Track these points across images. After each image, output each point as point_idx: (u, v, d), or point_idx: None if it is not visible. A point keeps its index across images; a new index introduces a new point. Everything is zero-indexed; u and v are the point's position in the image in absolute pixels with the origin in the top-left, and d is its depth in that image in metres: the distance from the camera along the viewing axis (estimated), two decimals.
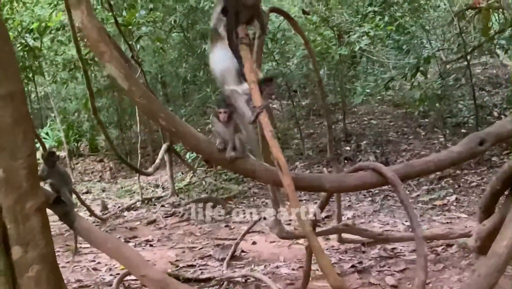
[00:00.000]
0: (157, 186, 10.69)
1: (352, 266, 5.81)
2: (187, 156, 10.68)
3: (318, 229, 5.23)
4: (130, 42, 9.65)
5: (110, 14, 9.22)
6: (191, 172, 10.64)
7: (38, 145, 7.89)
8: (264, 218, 6.96)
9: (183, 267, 6.28)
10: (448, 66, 11.07)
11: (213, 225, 7.90)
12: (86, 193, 10.75)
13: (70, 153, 12.51)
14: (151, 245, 7.29)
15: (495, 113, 10.66)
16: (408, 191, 8.38)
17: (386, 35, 10.94)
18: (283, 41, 10.92)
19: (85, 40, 4.49)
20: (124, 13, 10.10)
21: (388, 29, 10.57)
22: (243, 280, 5.62)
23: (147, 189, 10.56)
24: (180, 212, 8.73)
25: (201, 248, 6.97)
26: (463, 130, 10.23)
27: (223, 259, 6.30)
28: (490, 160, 8.94)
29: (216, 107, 3.58)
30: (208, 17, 10.90)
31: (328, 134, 6.54)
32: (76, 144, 13.64)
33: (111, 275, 6.06)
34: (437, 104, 9.94)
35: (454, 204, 7.85)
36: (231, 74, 3.53)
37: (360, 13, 11.15)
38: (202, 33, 11.04)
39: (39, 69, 11.10)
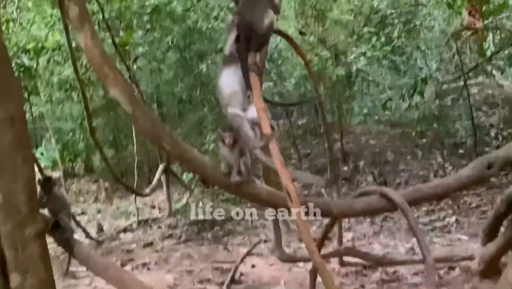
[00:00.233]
0: (153, 207, 10.59)
1: None
2: (184, 176, 10.59)
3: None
4: (127, 63, 9.61)
5: (108, 34, 9.18)
6: (188, 192, 10.53)
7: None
8: (265, 241, 6.88)
9: None
10: (444, 86, 11.08)
11: (211, 247, 7.81)
12: (81, 214, 10.64)
13: (65, 173, 12.38)
14: (148, 269, 7.19)
15: (492, 134, 10.67)
16: None
17: (383, 56, 10.95)
18: (280, 61, 10.91)
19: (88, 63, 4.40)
20: (121, 33, 10.10)
21: (384, 50, 10.57)
22: None
23: (143, 209, 10.45)
24: (177, 234, 8.64)
25: (200, 271, 6.88)
26: (460, 151, 10.24)
27: (222, 283, 6.21)
28: (489, 181, 8.89)
29: (221, 131, 3.52)
30: (205, 37, 10.93)
31: (329, 156, 6.50)
32: (71, 164, 13.51)
33: None
34: (434, 125, 9.94)
35: (454, 225, 7.81)
36: (237, 98, 3.48)
37: (356, 34, 11.18)
38: (199, 53, 11.01)
39: (34, 90, 11.02)
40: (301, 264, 6.35)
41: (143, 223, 9.48)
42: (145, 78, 11.99)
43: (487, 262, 5.20)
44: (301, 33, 10.44)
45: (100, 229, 9.30)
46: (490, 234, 5.28)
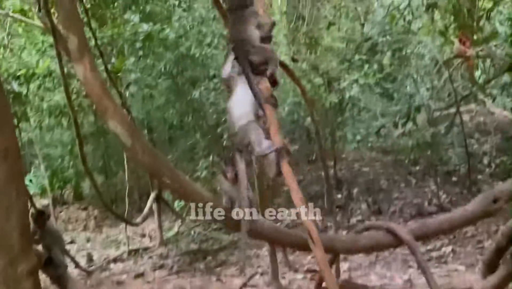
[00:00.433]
0: (143, 236, 10.42)
1: None
2: (175, 204, 10.44)
3: None
4: (119, 89, 9.52)
5: (100, 60, 9.11)
6: (180, 220, 10.38)
7: None
8: (261, 274, 6.75)
9: None
10: (436, 113, 11.10)
11: (204, 278, 7.65)
12: (71, 243, 10.42)
13: (54, 200, 12.18)
14: None
15: (485, 162, 10.65)
16: None
17: (375, 83, 10.96)
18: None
19: (88, 95, 4.30)
20: (113, 59, 10.05)
21: (377, 78, 10.58)
22: None
23: (133, 238, 10.28)
24: (169, 264, 8.47)
25: None
26: (454, 179, 10.21)
27: None
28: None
29: (223, 166, 3.42)
30: (198, 64, 10.89)
31: (326, 185, 6.41)
32: (60, 191, 13.32)
33: None
34: (427, 152, 9.91)
35: (451, 255, 7.73)
36: (247, 112, 3.34)
37: (347, 61, 11.19)
38: (192, 80, 10.96)
39: (24, 116, 10.90)
40: None
41: (134, 253, 9.30)
42: (136, 104, 11.90)
43: None
44: (293, 60, 10.43)
45: (90, 258, 9.11)
46: (491, 266, 5.19)
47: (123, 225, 9.96)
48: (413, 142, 9.22)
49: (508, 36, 9.70)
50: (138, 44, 10.21)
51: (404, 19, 10.08)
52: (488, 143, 11.34)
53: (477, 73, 12.07)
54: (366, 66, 10.51)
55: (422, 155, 10.34)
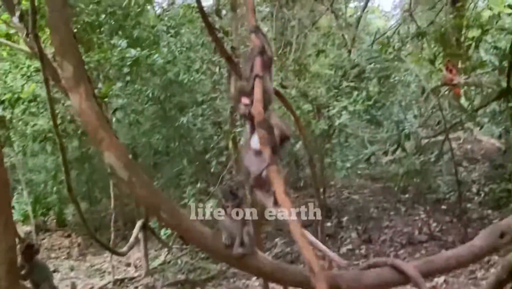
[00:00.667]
0: (128, 265, 10.16)
1: None
2: (162, 232, 10.22)
3: None
4: (106, 115, 9.36)
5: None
6: (166, 249, 10.15)
7: None
8: None
9: None
10: (424, 141, 11.08)
11: None
12: (54, 271, 10.09)
13: (36, 227, 11.88)
14: None
15: (474, 190, 10.63)
16: None
17: (364, 110, 10.93)
18: None
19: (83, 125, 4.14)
20: (100, 85, 9.91)
21: (366, 105, 10.55)
22: None
23: (118, 267, 10.03)
24: None
25: None
26: (443, 207, 10.15)
27: None
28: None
29: (223, 200, 3.28)
30: (186, 89, 10.80)
31: (320, 216, 6.28)
32: (43, 218, 13.03)
33: None
34: (415, 180, 9.86)
35: (444, 286, 7.60)
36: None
37: (336, 88, 11.16)
38: (180, 105, 10.86)
39: (8, 140, 10.68)
40: None
41: (119, 283, 9.07)
42: (122, 130, 11.75)
43: None
44: (282, 86, 10.38)
45: (73, 288, 8.80)
46: None
47: (107, 253, 9.70)
48: (404, 170, 9.12)
49: (495, 65, 9.76)
50: (125, 69, 10.07)
51: (394, 48, 10.05)
52: (476, 171, 11.34)
53: (464, 102, 12.09)
54: (355, 93, 10.48)
55: (411, 183, 10.27)
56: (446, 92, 11.60)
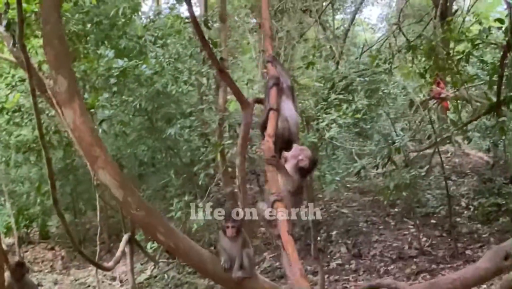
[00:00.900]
0: (114, 279, 9.95)
1: None
2: (148, 246, 10.02)
3: None
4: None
5: None
6: (152, 263, 9.95)
7: None
8: None
9: None
10: (413, 154, 11.06)
11: None
12: (38, 285, 9.86)
13: (19, 239, 11.61)
14: None
15: (463, 204, 10.62)
16: None
17: (353, 123, 10.88)
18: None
19: (76, 142, 4.00)
20: (86, 95, 9.74)
21: (356, 118, 10.50)
22: None
23: (103, 281, 9.80)
24: None
25: None
26: (433, 221, 10.12)
27: None
28: (464, 254, 8.75)
29: (223, 221, 3.16)
30: (174, 101, 10.66)
31: (312, 230, 6.17)
32: (26, 230, 12.75)
33: None
34: (404, 193, 9.80)
35: None
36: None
37: (325, 100, 11.10)
38: (167, 117, 10.72)
39: None
40: None
41: None
42: (108, 140, 11.55)
43: None
44: None
45: None
46: None
47: (91, 266, 9.47)
48: (394, 183, 9.05)
49: (482, 79, 9.77)
50: (112, 80, 9.90)
51: (385, 60, 10.02)
52: (465, 185, 11.33)
53: (452, 115, 12.10)
54: (344, 106, 10.42)
55: (400, 196, 10.21)
56: (434, 106, 11.63)
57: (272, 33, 4.04)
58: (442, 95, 11.25)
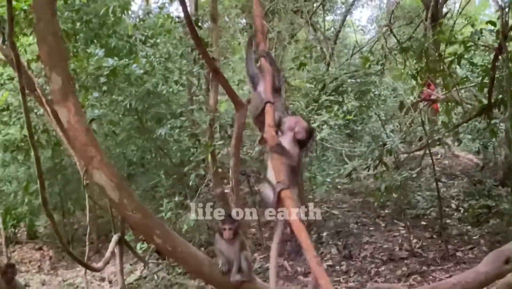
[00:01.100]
0: (103, 280, 9.84)
1: None
2: (138, 246, 9.93)
3: None
4: None
5: None
6: (142, 264, 9.86)
7: None
8: None
9: None
10: (403, 156, 11.09)
11: None
12: (25, 286, 9.74)
13: (6, 239, 11.46)
14: None
15: (453, 206, 10.64)
16: None
17: (345, 125, 10.88)
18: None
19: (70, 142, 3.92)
20: None
21: (347, 119, 10.50)
22: None
23: (92, 282, 9.69)
24: None
25: None
26: (423, 223, 10.12)
27: None
28: (455, 255, 8.74)
29: (220, 223, 3.10)
30: (164, 101, 10.59)
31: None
32: (13, 229, 12.60)
33: None
34: (394, 195, 9.80)
35: None
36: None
37: (315, 101, 11.09)
38: (158, 117, 10.65)
39: None
40: None
41: None
42: (97, 140, 11.43)
43: None
44: None
45: None
46: None
47: (80, 267, 9.36)
48: (385, 185, 9.03)
49: (472, 81, 9.82)
50: (102, 79, 9.81)
51: (377, 62, 10.03)
52: (455, 187, 11.36)
53: (442, 118, 12.13)
54: (336, 107, 10.41)
55: (390, 198, 10.21)
56: (425, 108, 11.66)
57: (264, 30, 3.98)
58: (433, 97, 11.29)
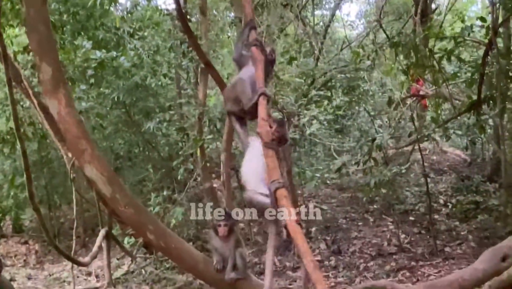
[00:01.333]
0: (89, 274, 9.74)
1: None
2: (125, 241, 9.84)
3: None
4: None
5: None
6: (130, 258, 9.78)
7: None
8: None
9: None
10: (391, 151, 11.10)
11: None
12: (10, 280, 9.62)
13: None
14: None
15: (441, 201, 10.67)
16: None
17: (334, 120, 10.86)
18: None
19: (62, 134, 3.84)
20: None
21: (337, 114, 10.48)
22: None
23: (78, 276, 9.57)
24: None
25: None
26: (411, 218, 10.13)
27: None
28: (443, 251, 8.75)
29: (215, 220, 3.03)
30: (152, 94, 10.50)
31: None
32: None
33: None
34: (382, 190, 9.80)
35: None
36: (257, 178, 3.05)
37: (305, 96, 11.04)
38: (146, 110, 10.55)
39: None
40: None
41: None
42: None
43: None
44: None
45: None
46: None
47: (66, 261, 9.24)
48: (375, 180, 9.01)
49: (461, 77, 9.81)
50: (89, 72, 9.70)
51: (368, 57, 9.99)
52: (443, 182, 11.39)
53: (430, 113, 12.16)
54: (325, 102, 10.38)
55: (378, 193, 10.20)
56: (413, 103, 11.66)
57: (254, 15, 3.88)
58: (421, 93, 11.30)
